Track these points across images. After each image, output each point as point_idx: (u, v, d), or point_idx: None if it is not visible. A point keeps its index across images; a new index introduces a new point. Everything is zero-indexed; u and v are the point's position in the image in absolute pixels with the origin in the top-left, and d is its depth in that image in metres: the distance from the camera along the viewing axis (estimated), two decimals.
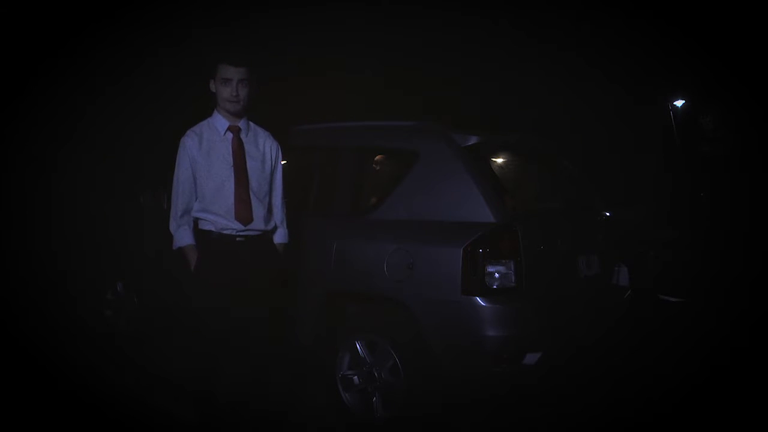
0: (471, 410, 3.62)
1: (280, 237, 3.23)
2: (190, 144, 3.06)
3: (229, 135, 3.08)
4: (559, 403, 3.69)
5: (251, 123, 3.17)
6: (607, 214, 3.98)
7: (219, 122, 3.09)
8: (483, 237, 3.16)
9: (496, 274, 3.17)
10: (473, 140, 3.51)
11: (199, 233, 3.08)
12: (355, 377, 3.43)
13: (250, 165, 3.08)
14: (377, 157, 3.83)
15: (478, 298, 3.13)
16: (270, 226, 3.16)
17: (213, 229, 3.04)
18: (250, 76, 3.04)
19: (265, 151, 3.15)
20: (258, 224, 3.07)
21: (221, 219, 3.02)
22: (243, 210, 3.03)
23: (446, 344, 3.23)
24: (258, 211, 3.07)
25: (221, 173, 3.03)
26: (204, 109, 3.20)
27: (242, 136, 3.09)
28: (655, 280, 5.60)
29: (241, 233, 3.04)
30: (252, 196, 3.06)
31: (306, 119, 4.35)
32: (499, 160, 3.89)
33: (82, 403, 3.69)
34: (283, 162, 3.26)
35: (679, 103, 17.96)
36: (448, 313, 3.21)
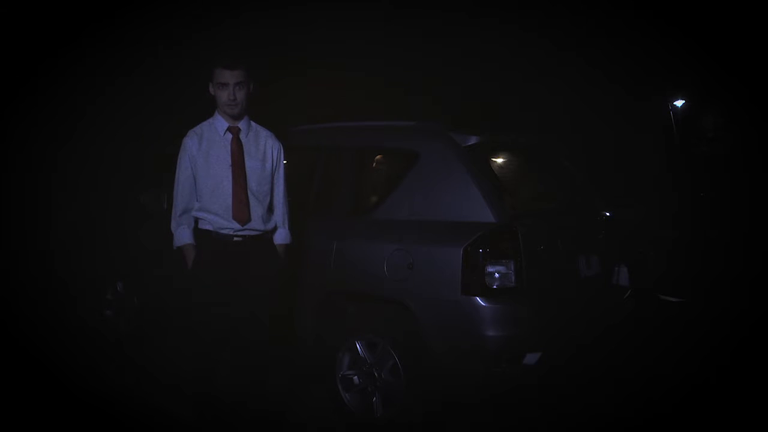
0: (471, 410, 3.62)
1: (281, 237, 3.23)
2: (190, 144, 3.08)
3: (229, 135, 3.08)
4: (559, 403, 3.69)
5: (252, 123, 3.18)
6: (607, 214, 3.98)
7: (219, 123, 3.11)
8: (483, 237, 3.16)
9: (496, 274, 3.16)
10: (473, 140, 3.50)
11: (198, 232, 3.09)
12: (355, 377, 3.43)
13: (250, 165, 3.08)
14: (377, 157, 3.83)
15: (478, 298, 3.13)
16: (270, 226, 3.16)
17: (211, 228, 3.05)
18: (247, 78, 3.06)
19: (266, 151, 3.16)
20: (256, 224, 3.08)
21: (219, 218, 3.03)
22: (240, 210, 3.03)
23: (446, 344, 3.23)
24: (256, 211, 3.08)
25: (220, 173, 3.04)
26: (206, 108, 3.22)
27: (242, 136, 3.10)
28: (655, 280, 5.60)
29: (239, 233, 3.05)
30: (251, 196, 3.07)
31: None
32: (499, 160, 3.89)
33: (82, 403, 3.69)
34: (284, 162, 3.27)
35: (679, 103, 17.97)
36: (448, 313, 3.20)
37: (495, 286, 3.15)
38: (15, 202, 7.84)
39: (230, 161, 3.05)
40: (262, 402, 3.21)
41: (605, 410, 3.64)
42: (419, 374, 3.26)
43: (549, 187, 4.12)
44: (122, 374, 4.18)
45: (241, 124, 3.11)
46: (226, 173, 3.04)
